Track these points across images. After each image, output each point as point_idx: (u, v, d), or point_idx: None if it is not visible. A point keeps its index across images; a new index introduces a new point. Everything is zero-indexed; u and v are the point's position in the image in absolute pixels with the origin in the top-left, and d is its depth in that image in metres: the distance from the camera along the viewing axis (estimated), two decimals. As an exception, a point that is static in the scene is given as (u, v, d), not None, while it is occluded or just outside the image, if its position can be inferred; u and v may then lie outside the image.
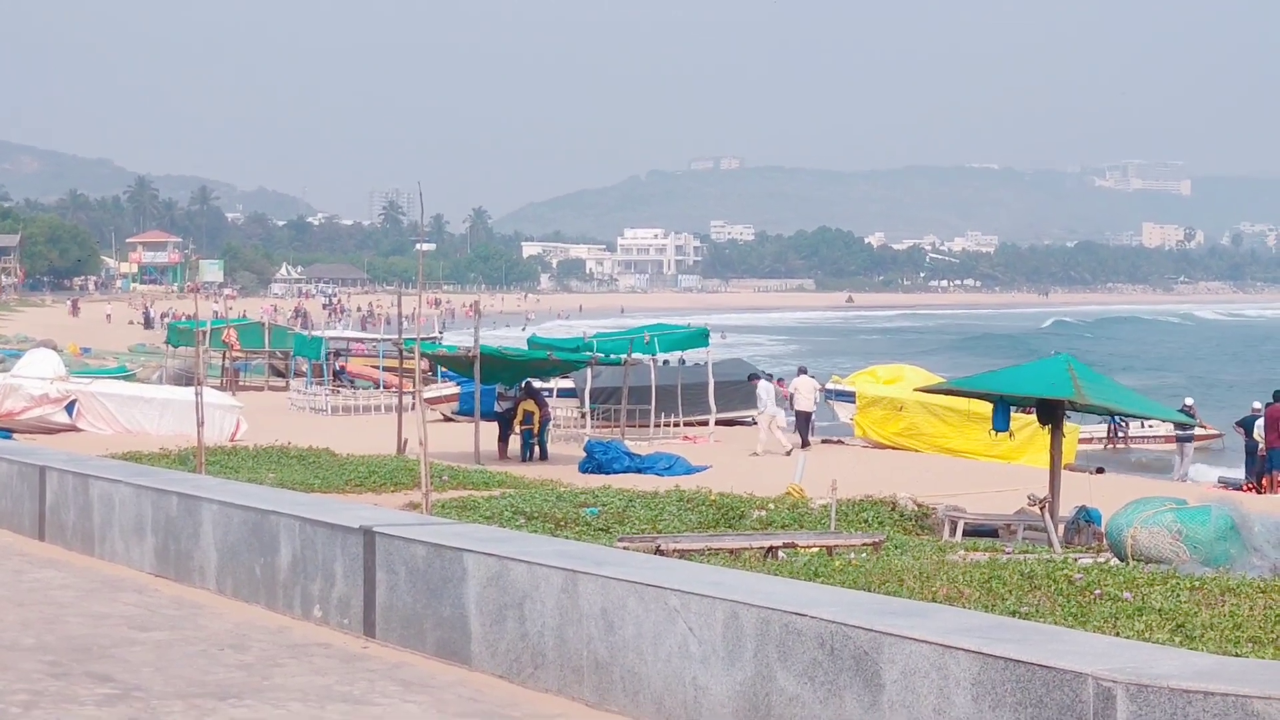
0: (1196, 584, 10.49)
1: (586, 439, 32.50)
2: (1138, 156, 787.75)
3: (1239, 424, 34.36)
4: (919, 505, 20.59)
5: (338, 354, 52.71)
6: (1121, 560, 13.95)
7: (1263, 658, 8.23)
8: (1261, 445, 31.62)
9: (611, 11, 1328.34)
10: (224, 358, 53.73)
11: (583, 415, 39.13)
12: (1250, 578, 11.50)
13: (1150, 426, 38.22)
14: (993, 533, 19.91)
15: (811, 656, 6.83)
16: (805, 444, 35.76)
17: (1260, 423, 31.91)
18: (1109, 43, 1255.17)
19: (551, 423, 34.06)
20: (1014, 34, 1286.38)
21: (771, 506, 19.27)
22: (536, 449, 31.77)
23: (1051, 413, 20.27)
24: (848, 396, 39.52)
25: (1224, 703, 5.43)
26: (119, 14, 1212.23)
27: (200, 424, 19.07)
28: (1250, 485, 31.14)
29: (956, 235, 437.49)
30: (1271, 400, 32.38)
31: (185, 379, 42.97)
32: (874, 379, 39.82)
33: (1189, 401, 39.94)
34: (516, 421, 31.83)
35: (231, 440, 30.07)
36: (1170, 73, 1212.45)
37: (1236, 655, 8.16)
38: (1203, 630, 8.97)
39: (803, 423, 36.99)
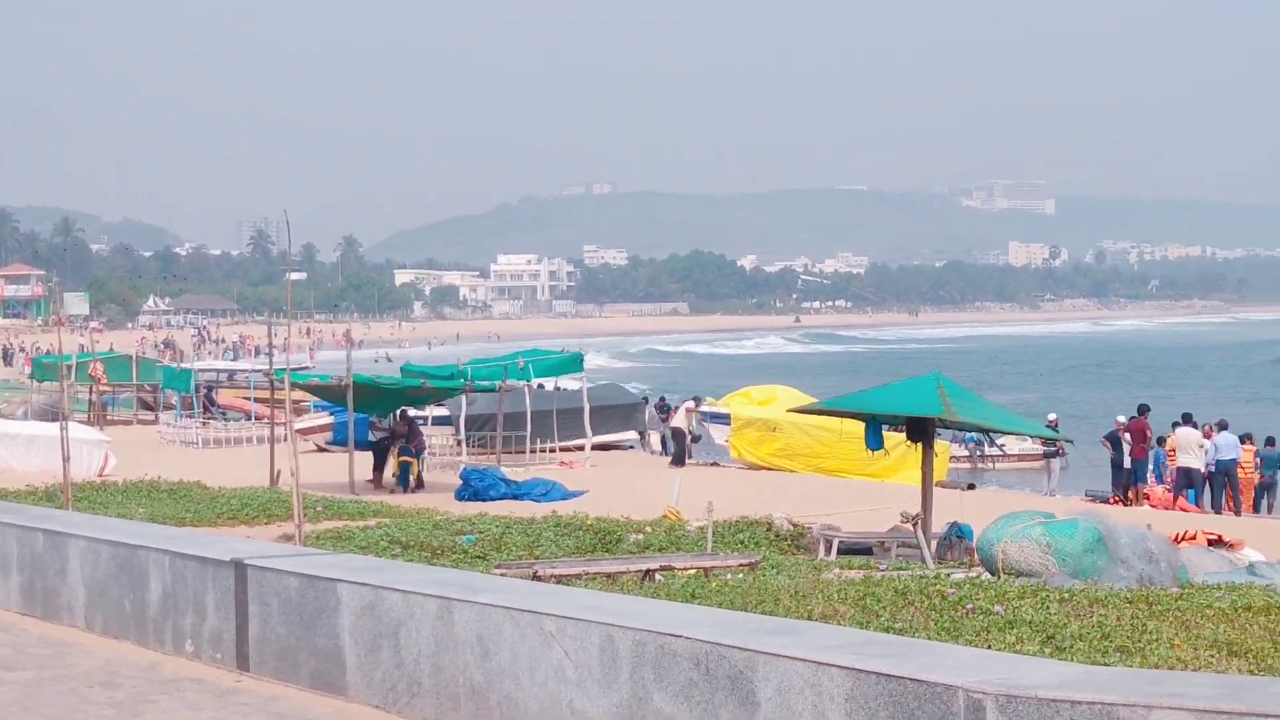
0: (1066, 596, 10.67)
1: (462, 466, 32.34)
2: (1003, 177, 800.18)
3: (1106, 438, 35.03)
4: (794, 525, 20.74)
5: (209, 387, 52.04)
6: (993, 574, 14.15)
7: (1130, 666, 8.39)
8: (1126, 459, 32.30)
9: (478, 44, 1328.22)
10: (91, 391, 52.82)
11: (458, 443, 38.95)
12: (1117, 589, 11.73)
13: (1003, 445, 38.69)
14: (867, 550, 20.13)
15: (687, 677, 6.86)
16: (679, 463, 36.23)
17: (1126, 436, 32.61)
18: (972, 64, 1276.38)
19: (426, 451, 33.85)
20: (877, 55, 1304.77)
21: (649, 530, 19.31)
22: (413, 478, 31.53)
23: (922, 430, 20.50)
24: (722, 418, 39.74)
25: (1090, 710, 5.53)
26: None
27: (66, 459, 18.74)
28: (1116, 498, 31.76)
29: (828, 257, 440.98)
30: (1135, 414, 33.18)
31: (51, 414, 42.15)
32: (748, 400, 40.03)
33: (1052, 417, 40.59)
34: (394, 452, 31.56)
35: (100, 475, 29.57)
36: (1034, 93, 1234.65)
37: (1104, 664, 8.31)
38: (1072, 641, 9.14)
39: (678, 441, 37.64)
